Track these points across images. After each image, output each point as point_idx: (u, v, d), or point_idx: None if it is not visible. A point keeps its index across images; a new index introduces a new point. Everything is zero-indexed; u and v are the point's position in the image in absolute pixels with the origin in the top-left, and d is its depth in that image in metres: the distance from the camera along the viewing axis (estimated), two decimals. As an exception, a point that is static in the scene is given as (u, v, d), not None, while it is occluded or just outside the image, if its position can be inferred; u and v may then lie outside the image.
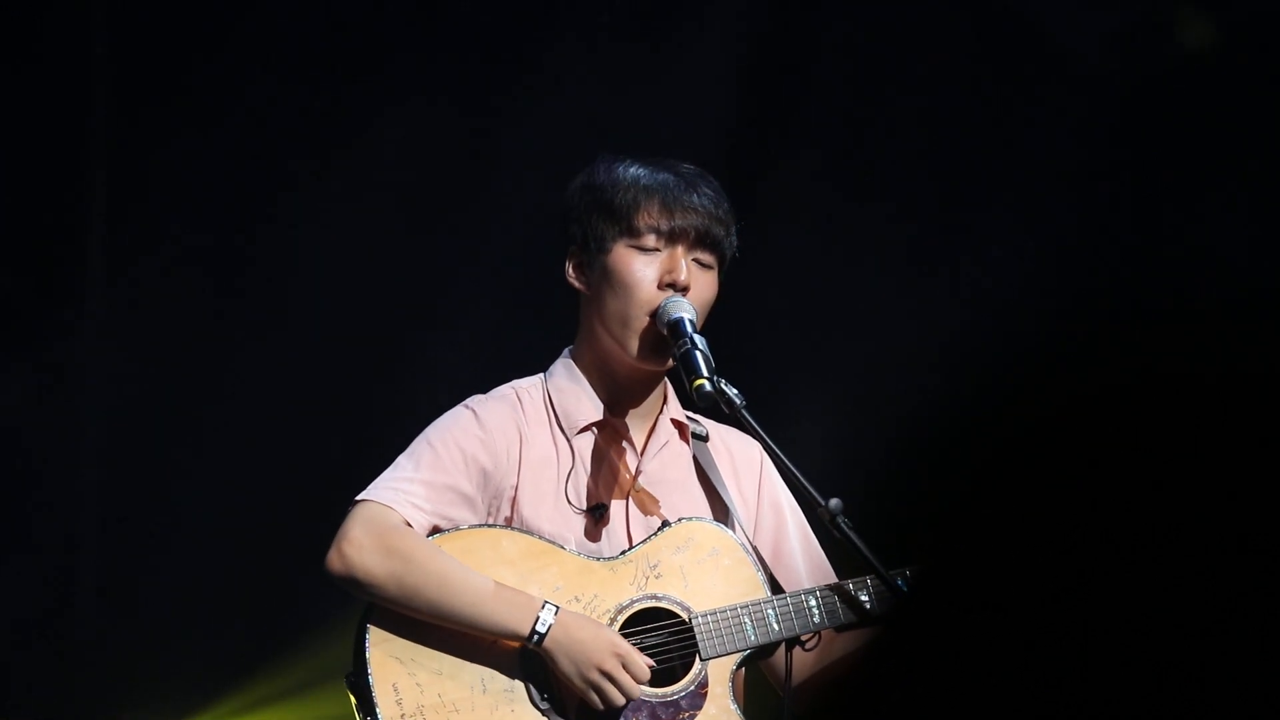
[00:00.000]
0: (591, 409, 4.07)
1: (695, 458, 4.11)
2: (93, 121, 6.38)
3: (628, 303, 4.01)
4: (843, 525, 3.81)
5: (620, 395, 4.09)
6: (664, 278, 3.99)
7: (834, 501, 3.82)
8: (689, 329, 3.91)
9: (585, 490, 4.03)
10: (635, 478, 4.06)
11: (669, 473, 4.09)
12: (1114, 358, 1.61)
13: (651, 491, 4.06)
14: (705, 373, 3.85)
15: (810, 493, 3.86)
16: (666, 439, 4.11)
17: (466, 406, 4.08)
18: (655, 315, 3.97)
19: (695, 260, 4.02)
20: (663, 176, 4.05)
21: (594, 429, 4.08)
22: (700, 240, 4.01)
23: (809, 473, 4.06)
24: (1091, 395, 1.60)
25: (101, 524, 6.44)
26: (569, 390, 4.09)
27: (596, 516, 4.00)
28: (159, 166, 6.39)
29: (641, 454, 4.08)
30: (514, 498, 4.00)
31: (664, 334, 3.94)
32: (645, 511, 4.03)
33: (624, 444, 4.08)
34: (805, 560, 4.09)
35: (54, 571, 6.44)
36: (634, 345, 4.00)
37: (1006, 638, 1.57)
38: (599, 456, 4.06)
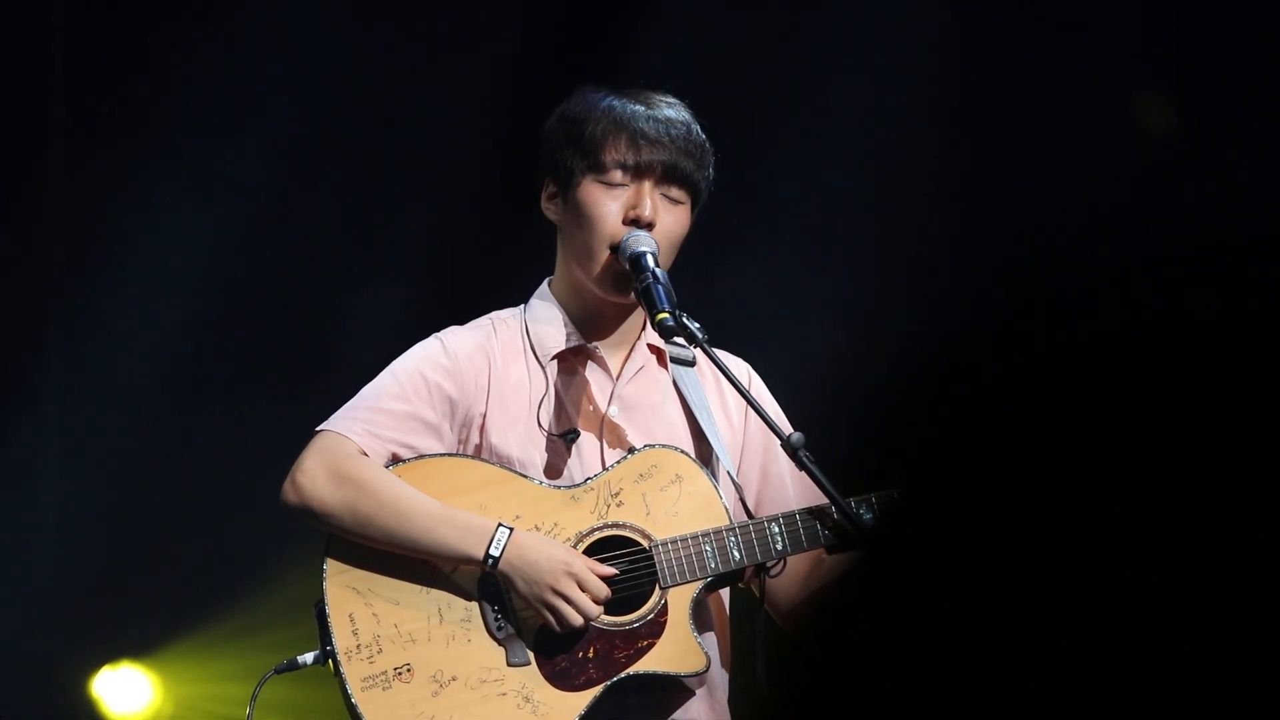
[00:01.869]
0: (565, 336, 4.04)
1: (675, 382, 4.04)
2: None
3: (591, 236, 3.97)
4: (803, 458, 3.79)
5: (594, 323, 4.05)
6: (628, 213, 3.95)
7: (795, 435, 3.81)
8: (650, 263, 3.88)
9: (558, 417, 3.99)
10: (610, 403, 4.01)
11: (645, 398, 4.04)
12: (1107, 302, 1.58)
13: (626, 416, 4.01)
14: (666, 307, 3.82)
15: (773, 425, 3.85)
16: (642, 364, 4.06)
17: (436, 337, 4.06)
18: (617, 250, 3.93)
19: (664, 195, 3.98)
20: (633, 109, 3.99)
21: (568, 356, 4.04)
22: (668, 175, 3.97)
23: (784, 404, 4.09)
24: (1069, 341, 1.57)
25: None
26: (544, 319, 4.05)
27: (569, 442, 3.96)
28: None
29: (616, 380, 4.04)
30: (483, 425, 3.97)
31: (625, 268, 3.91)
32: (618, 437, 3.99)
33: (598, 370, 4.04)
34: (794, 480, 4.03)
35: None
36: (597, 278, 3.98)
37: (976, 568, 1.55)
38: (572, 383, 4.02)
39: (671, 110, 4.02)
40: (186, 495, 6.52)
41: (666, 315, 3.81)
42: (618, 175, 3.97)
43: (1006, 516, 1.55)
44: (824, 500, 3.86)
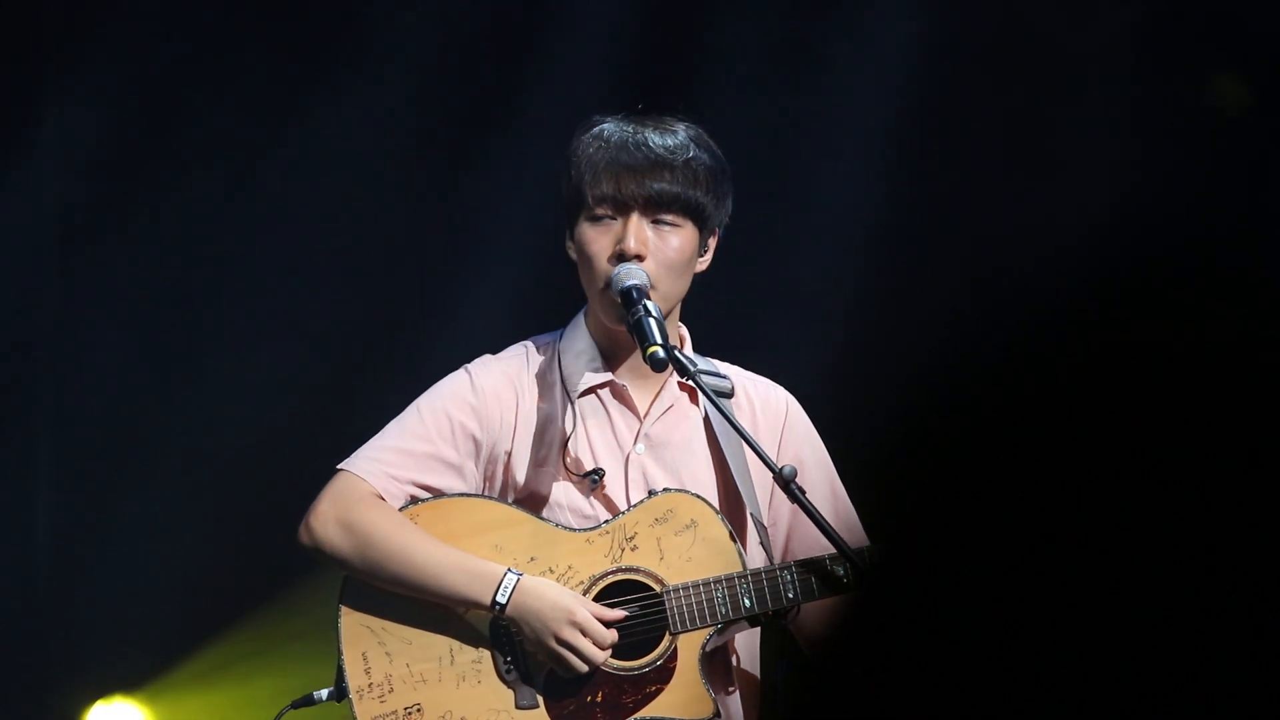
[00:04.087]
0: (595, 372, 4.04)
1: (708, 418, 4.04)
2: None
3: (589, 276, 4.00)
4: (795, 491, 3.79)
5: (622, 357, 4.06)
6: (615, 248, 3.96)
7: (788, 468, 3.80)
8: (637, 297, 3.88)
9: (584, 454, 3.99)
10: (636, 441, 4.02)
11: (672, 436, 4.03)
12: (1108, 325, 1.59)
13: (653, 455, 4.01)
14: (656, 340, 3.82)
15: (766, 459, 3.84)
16: (671, 402, 4.05)
17: (466, 369, 4.06)
18: (608, 286, 3.94)
19: (658, 221, 3.98)
20: (619, 139, 4.00)
21: (597, 391, 4.04)
22: (656, 203, 3.96)
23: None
24: (1078, 366, 1.58)
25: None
26: (574, 352, 4.06)
27: (594, 481, 3.97)
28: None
29: (644, 418, 4.04)
30: (508, 462, 3.99)
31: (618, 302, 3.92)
32: (644, 476, 3.99)
33: (626, 407, 4.04)
34: (833, 519, 3.96)
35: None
36: (604, 314, 3.99)
37: (976, 611, 1.56)
38: (600, 420, 4.03)
39: (662, 135, 4.01)
40: (181, 528, 6.51)
41: (657, 349, 3.81)
42: (604, 210, 3.99)
43: (1002, 555, 1.56)
44: (859, 533, 3.89)
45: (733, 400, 4.07)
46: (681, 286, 4.00)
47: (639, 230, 3.95)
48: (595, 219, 3.99)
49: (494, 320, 6.08)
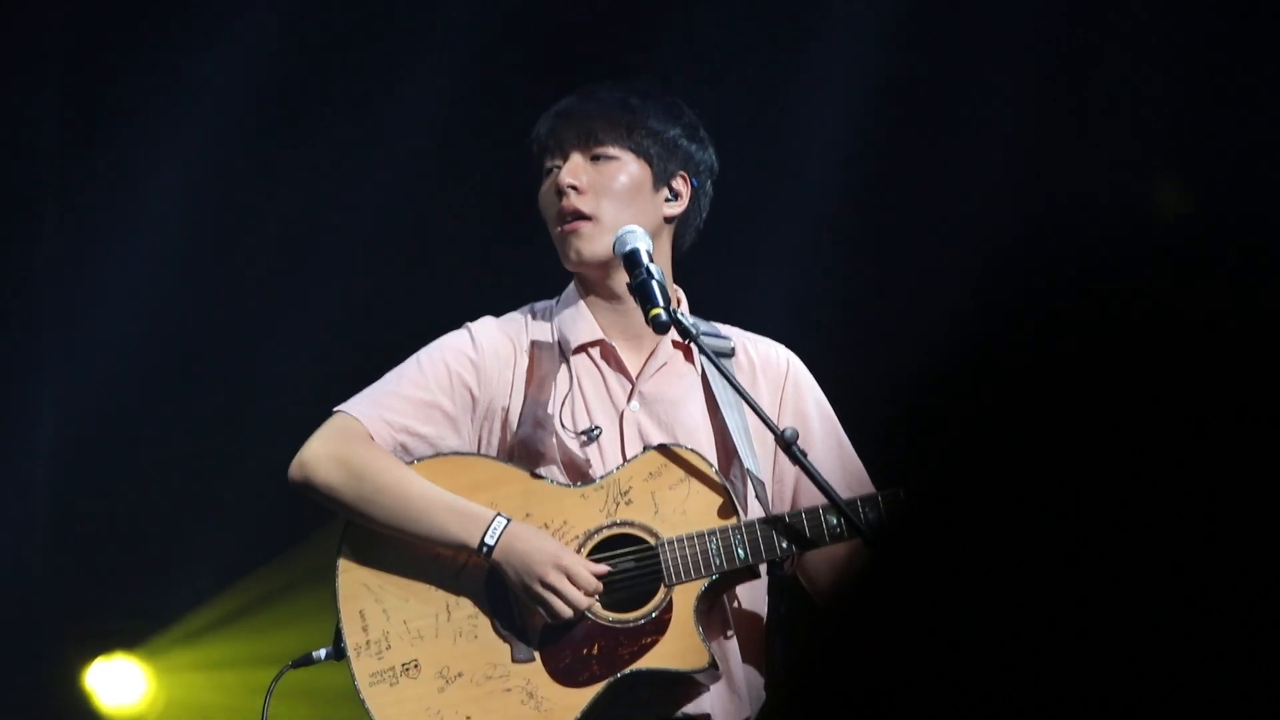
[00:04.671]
0: (588, 330, 4.06)
1: (705, 376, 4.05)
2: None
3: (548, 223, 4.08)
4: (797, 453, 3.81)
5: (615, 316, 4.08)
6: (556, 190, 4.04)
7: (789, 430, 3.83)
8: (644, 259, 3.91)
9: (580, 412, 4.01)
10: (630, 399, 4.04)
11: (666, 393, 4.04)
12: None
13: (647, 412, 4.02)
14: (659, 302, 3.84)
15: (767, 420, 3.86)
16: (665, 360, 4.07)
17: (467, 326, 4.09)
18: (613, 246, 3.99)
19: (597, 157, 4.03)
20: (564, 100, 4.11)
21: (590, 350, 4.06)
22: (587, 138, 4.03)
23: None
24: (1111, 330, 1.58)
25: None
26: (569, 312, 4.08)
27: (590, 438, 3.98)
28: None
29: (638, 375, 4.05)
30: (505, 419, 4.01)
31: (619, 262, 3.95)
32: (639, 433, 4.00)
33: (620, 365, 4.06)
34: (839, 473, 4.02)
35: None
36: (562, 259, 4.07)
37: (982, 571, 1.56)
38: (595, 378, 4.04)
39: (603, 90, 4.11)
40: (179, 486, 6.53)
41: (660, 311, 3.83)
42: (550, 160, 4.07)
43: (1016, 518, 1.56)
44: (868, 486, 3.92)
45: (733, 360, 4.09)
46: (633, 218, 4.01)
47: (573, 164, 4.02)
48: (546, 172, 4.07)
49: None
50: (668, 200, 4.08)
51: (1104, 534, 1.53)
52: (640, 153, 4.06)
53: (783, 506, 4.01)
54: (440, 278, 6.31)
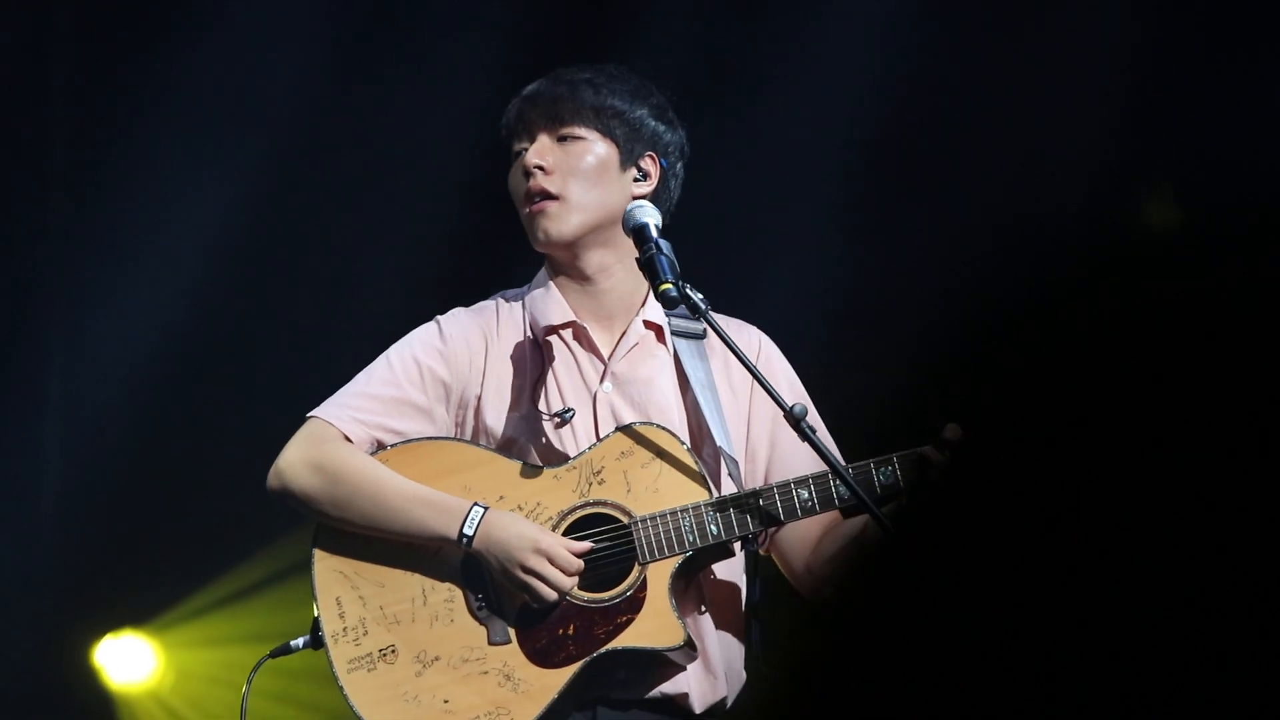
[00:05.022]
0: (559, 312, 4.07)
1: (677, 356, 4.06)
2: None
3: (516, 205, 4.09)
4: (806, 429, 3.79)
5: (586, 298, 4.09)
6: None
7: (798, 406, 3.81)
8: (653, 233, 3.90)
9: (553, 395, 4.02)
10: (603, 380, 4.04)
11: (639, 373, 4.05)
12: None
13: (620, 392, 4.03)
14: (670, 277, 3.83)
15: (775, 395, 3.84)
16: (637, 340, 4.07)
17: (436, 319, 4.11)
18: (623, 220, 3.99)
19: (564, 138, 4.05)
20: (529, 86, 4.12)
21: (561, 332, 4.07)
22: (554, 119, 4.05)
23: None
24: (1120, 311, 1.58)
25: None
26: (540, 296, 4.10)
27: (564, 420, 3.99)
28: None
29: (610, 356, 4.06)
30: (478, 406, 4.02)
31: (629, 238, 3.95)
32: (612, 414, 4.01)
33: (592, 347, 4.07)
34: (805, 447, 4.00)
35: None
36: (530, 239, 4.08)
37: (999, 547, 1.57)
38: (567, 361, 4.05)
39: (570, 72, 4.12)
40: (188, 461, 6.57)
41: (670, 286, 3.82)
42: (518, 144, 4.09)
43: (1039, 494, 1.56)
44: (819, 469, 3.89)
45: (705, 342, 4.09)
46: (600, 198, 4.03)
47: (540, 145, 4.04)
48: (515, 155, 4.09)
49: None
50: (636, 180, 4.09)
51: (1107, 522, 1.53)
52: (607, 133, 4.07)
53: (755, 484, 4.01)
54: (447, 286, 6.33)
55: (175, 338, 6.48)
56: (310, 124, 6.48)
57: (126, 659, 6.58)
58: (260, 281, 6.50)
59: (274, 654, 4.03)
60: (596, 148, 4.05)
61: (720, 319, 4.14)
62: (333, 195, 6.50)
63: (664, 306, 3.86)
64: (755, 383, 4.03)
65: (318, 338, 6.39)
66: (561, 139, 4.05)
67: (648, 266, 3.87)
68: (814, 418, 4.08)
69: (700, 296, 3.86)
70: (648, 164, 4.10)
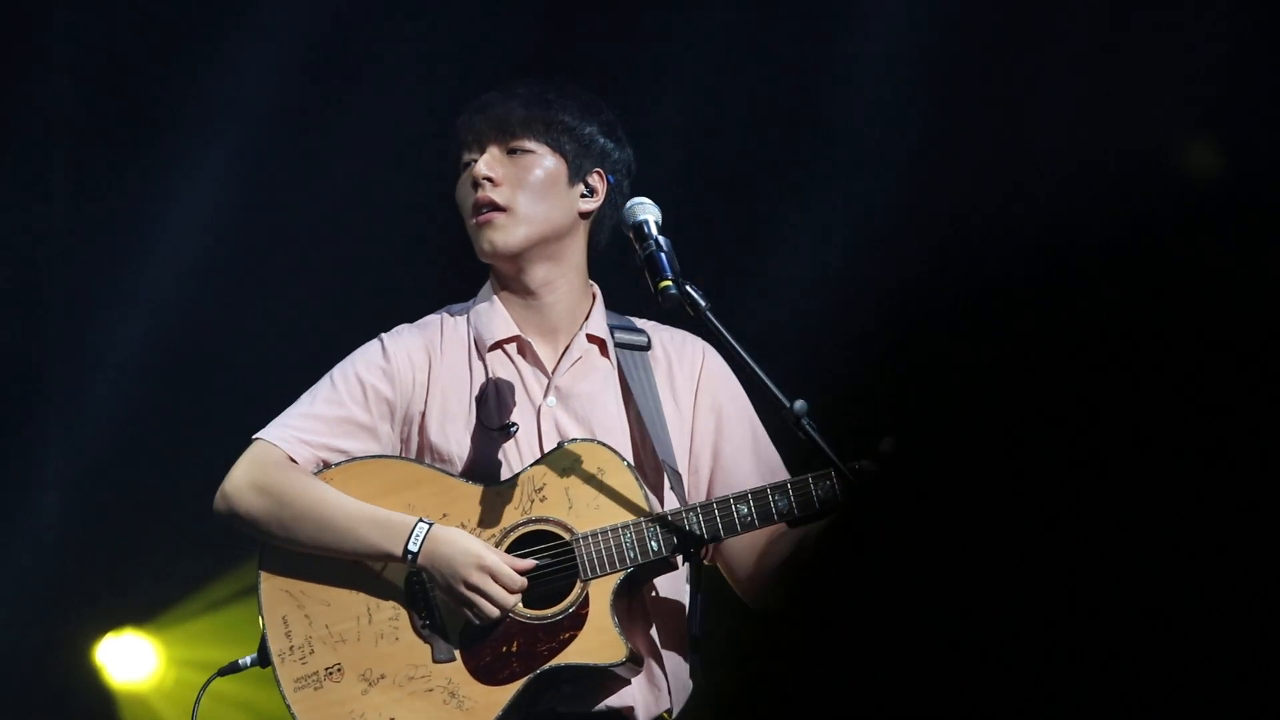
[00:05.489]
0: (503, 326, 4.10)
1: (621, 370, 4.09)
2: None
3: (463, 216, 4.13)
4: (807, 427, 3.78)
5: (529, 312, 4.11)
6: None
7: (799, 403, 3.78)
8: (652, 230, 3.90)
9: (496, 410, 4.04)
10: (546, 394, 4.07)
11: (582, 387, 4.08)
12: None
13: (563, 407, 4.06)
14: (670, 275, 3.84)
15: (775, 394, 3.81)
16: (580, 354, 4.10)
17: (379, 337, 4.14)
18: (621, 218, 3.99)
19: (514, 151, 4.08)
20: (480, 97, 4.15)
21: (504, 347, 4.10)
22: (504, 132, 4.08)
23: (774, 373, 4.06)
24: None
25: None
26: (484, 311, 4.12)
27: (507, 435, 4.01)
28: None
29: (554, 370, 4.09)
30: (422, 423, 4.05)
31: (628, 236, 3.95)
32: (555, 428, 4.04)
33: (536, 361, 4.09)
34: (754, 461, 4.06)
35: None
36: (476, 249, 4.11)
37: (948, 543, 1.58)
38: (510, 376, 4.08)
39: (522, 85, 4.15)
40: (189, 461, 6.60)
41: (669, 284, 3.82)
42: (467, 154, 4.12)
43: (984, 496, 1.57)
44: (758, 484, 3.91)
45: (649, 353, 4.12)
46: (547, 212, 4.07)
47: (490, 157, 4.07)
48: (464, 166, 4.12)
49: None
50: (583, 196, 4.12)
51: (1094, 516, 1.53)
52: (556, 148, 4.10)
53: (698, 498, 4.03)
54: (448, 286, 6.35)
55: (177, 338, 6.51)
56: (311, 124, 6.49)
57: (127, 658, 6.62)
58: (261, 282, 6.52)
59: (221, 673, 4.09)
60: (545, 161, 4.08)
61: (664, 330, 4.18)
62: (333, 195, 6.51)
63: (664, 305, 3.86)
64: (698, 398, 4.07)
65: (318, 338, 6.40)
66: (511, 152, 4.08)
67: (648, 263, 3.87)
68: (753, 430, 4.11)
69: (699, 294, 3.86)
70: (595, 180, 4.13)
